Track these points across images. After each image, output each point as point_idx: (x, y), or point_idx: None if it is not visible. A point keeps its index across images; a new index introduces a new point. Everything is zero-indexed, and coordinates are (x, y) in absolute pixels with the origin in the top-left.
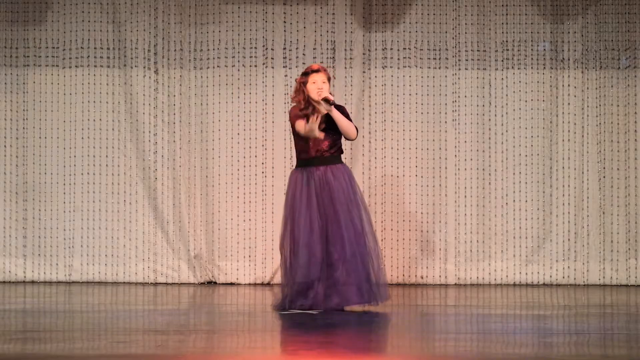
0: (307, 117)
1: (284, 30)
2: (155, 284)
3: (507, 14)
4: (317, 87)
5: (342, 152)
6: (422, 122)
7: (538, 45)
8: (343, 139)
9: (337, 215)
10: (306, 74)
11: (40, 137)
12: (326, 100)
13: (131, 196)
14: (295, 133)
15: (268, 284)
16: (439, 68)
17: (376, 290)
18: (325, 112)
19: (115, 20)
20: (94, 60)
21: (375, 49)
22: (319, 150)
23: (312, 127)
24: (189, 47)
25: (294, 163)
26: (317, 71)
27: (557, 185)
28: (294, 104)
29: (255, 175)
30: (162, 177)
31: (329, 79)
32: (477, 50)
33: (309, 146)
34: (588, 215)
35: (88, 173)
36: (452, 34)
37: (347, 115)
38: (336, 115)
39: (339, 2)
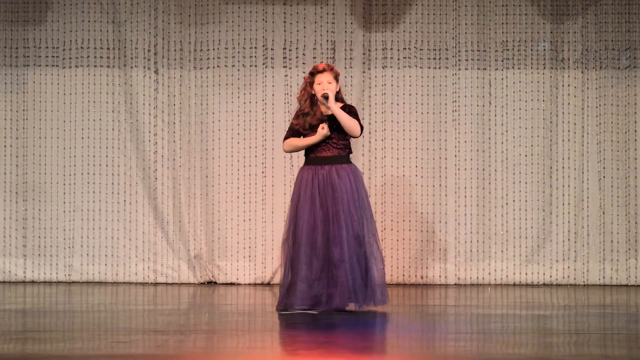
0: (300, 133)
1: (284, 30)
2: (155, 284)
3: (507, 14)
4: (322, 88)
5: (350, 152)
6: (422, 122)
7: (538, 45)
8: (352, 140)
9: (338, 215)
10: (312, 74)
11: (40, 137)
12: (324, 95)
13: (131, 196)
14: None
15: (268, 284)
16: (439, 68)
17: (374, 292)
18: (330, 112)
19: (115, 20)
20: (94, 60)
21: (375, 49)
22: (326, 149)
23: (323, 134)
24: (189, 47)
25: (294, 163)
26: (322, 71)
27: (557, 185)
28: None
29: (255, 175)
30: (162, 177)
31: (336, 77)
32: (477, 50)
33: (315, 145)
34: (588, 215)
35: (88, 173)
36: (452, 34)
37: (355, 115)
38: (335, 110)
39: (339, 2)
